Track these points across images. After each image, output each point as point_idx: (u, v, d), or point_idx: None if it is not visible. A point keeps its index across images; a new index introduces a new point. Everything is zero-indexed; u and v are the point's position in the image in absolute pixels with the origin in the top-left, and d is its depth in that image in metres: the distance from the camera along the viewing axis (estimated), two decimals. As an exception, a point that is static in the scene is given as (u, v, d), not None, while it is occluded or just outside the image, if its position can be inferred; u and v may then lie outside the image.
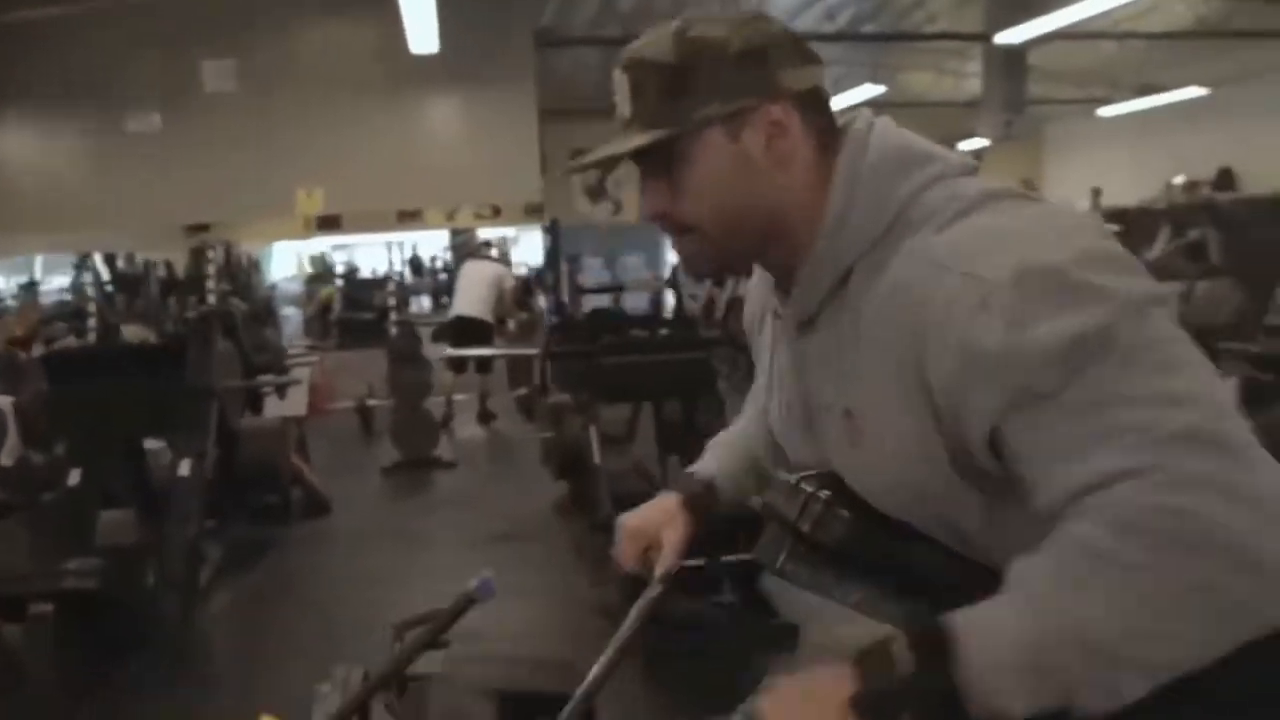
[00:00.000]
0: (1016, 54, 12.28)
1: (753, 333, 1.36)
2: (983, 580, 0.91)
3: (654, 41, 1.07)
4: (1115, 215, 12.46)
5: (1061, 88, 14.85)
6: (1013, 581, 0.87)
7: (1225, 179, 14.36)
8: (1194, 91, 14.30)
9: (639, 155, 1.08)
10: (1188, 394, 0.86)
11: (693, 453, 5.11)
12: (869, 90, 12.55)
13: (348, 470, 6.81)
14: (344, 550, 5.19)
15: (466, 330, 7.94)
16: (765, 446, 1.40)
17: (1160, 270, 7.72)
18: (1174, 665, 0.81)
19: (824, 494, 1.10)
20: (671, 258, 19.27)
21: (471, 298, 8.16)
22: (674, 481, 1.46)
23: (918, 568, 1.07)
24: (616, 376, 4.59)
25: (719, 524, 1.44)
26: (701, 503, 1.41)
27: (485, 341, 8.12)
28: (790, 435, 1.23)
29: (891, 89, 13.25)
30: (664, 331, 5.01)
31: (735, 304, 5.06)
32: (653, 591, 1.34)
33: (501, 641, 2.89)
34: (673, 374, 4.69)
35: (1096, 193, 13.69)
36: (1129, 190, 14.21)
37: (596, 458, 4.65)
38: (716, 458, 1.49)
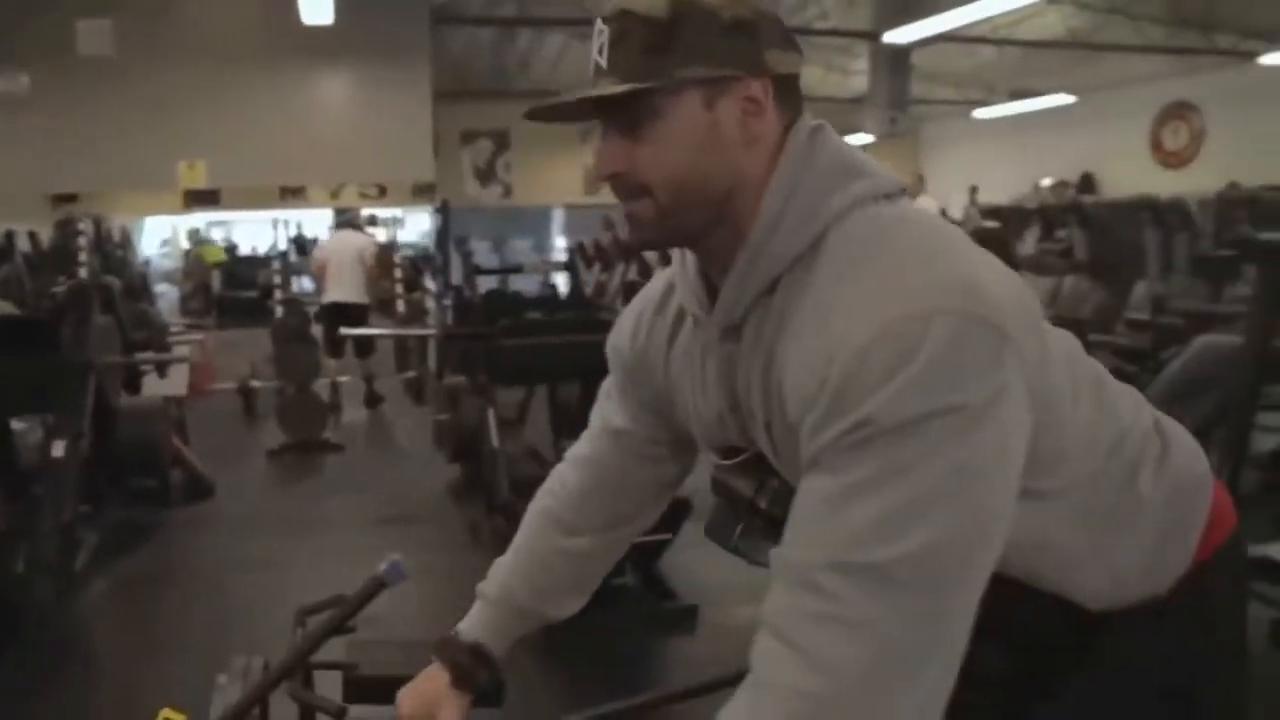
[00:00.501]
0: (901, 54, 12.60)
1: (640, 336, 1.25)
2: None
3: None
4: (991, 212, 12.92)
5: (941, 89, 15.32)
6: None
7: (1086, 183, 15.03)
8: (1063, 98, 14.94)
9: (608, 106, 1.02)
10: (915, 532, 0.83)
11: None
12: (760, 83, 12.71)
13: (231, 453, 6.54)
14: (230, 535, 4.97)
15: (341, 315, 7.69)
16: (605, 487, 1.35)
17: (1032, 265, 8.04)
18: None
19: (774, 474, 1.09)
20: (560, 241, 19.28)
21: (342, 281, 7.88)
22: (439, 647, 1.31)
23: None
24: (516, 359, 4.52)
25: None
26: (472, 677, 1.30)
27: (361, 324, 7.89)
28: (718, 432, 1.16)
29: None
30: (562, 314, 4.94)
31: (631, 288, 5.03)
32: None
33: (405, 626, 2.82)
34: (573, 356, 4.62)
35: (974, 190, 14.17)
36: (1001, 189, 14.73)
37: (494, 441, 4.58)
38: (482, 605, 1.35)
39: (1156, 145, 15.42)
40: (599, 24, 1.03)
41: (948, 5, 10.53)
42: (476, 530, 4.85)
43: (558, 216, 18.83)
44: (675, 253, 1.16)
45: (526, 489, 4.71)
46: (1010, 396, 0.87)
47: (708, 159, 1.01)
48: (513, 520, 4.19)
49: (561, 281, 10.81)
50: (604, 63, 1.01)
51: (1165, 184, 13.23)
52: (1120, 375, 1.17)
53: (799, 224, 0.99)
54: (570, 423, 5.46)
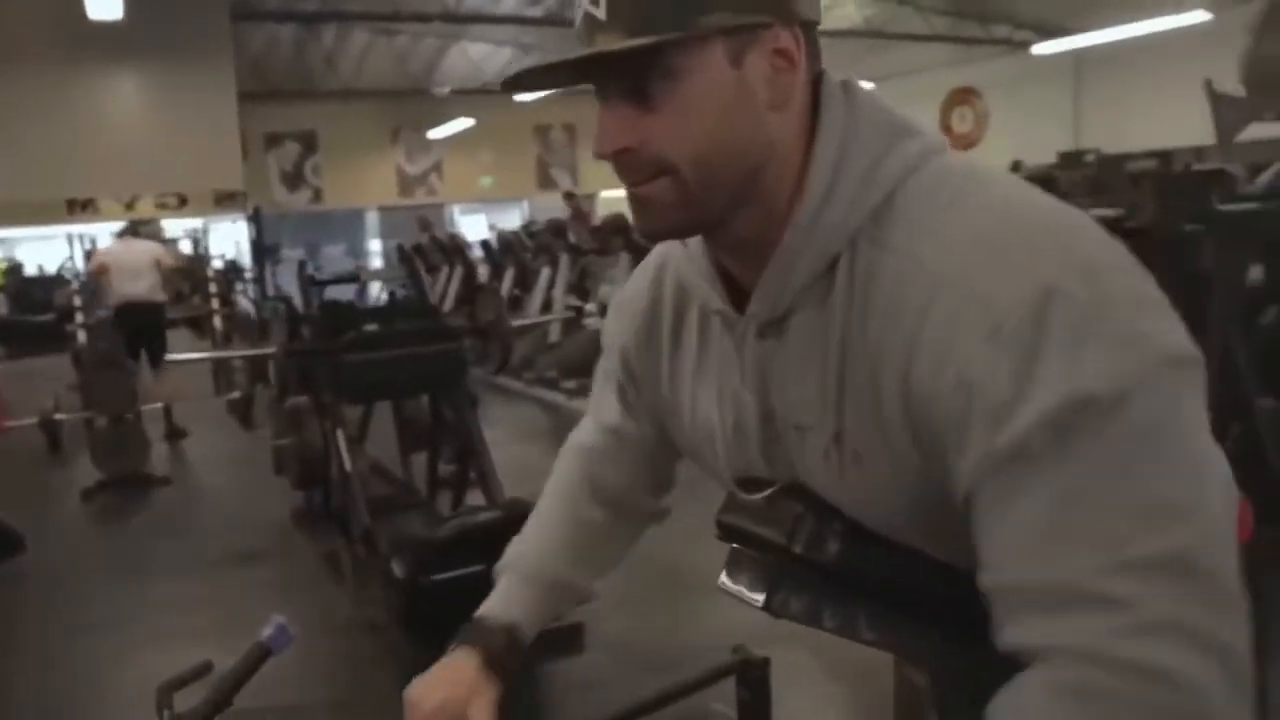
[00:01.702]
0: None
1: (641, 342, 1.07)
2: (976, 593, 0.77)
3: None
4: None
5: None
6: None
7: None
8: (862, 85, 15.43)
9: (609, 69, 0.82)
10: (1185, 504, 0.70)
11: (442, 450, 4.68)
12: (576, 77, 12.53)
13: (38, 497, 5.81)
14: (51, 593, 4.34)
15: (136, 315, 6.99)
16: (616, 490, 1.19)
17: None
18: None
19: (811, 510, 0.92)
20: (375, 246, 18.54)
21: (135, 278, 7.20)
22: (465, 633, 1.10)
23: (916, 582, 0.92)
24: (365, 374, 4.12)
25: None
26: (506, 662, 1.08)
27: (159, 326, 7.20)
28: (737, 455, 0.97)
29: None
30: (407, 323, 4.58)
31: (483, 291, 4.72)
32: None
33: (271, 685, 2.46)
34: (424, 368, 4.28)
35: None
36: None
37: (347, 463, 4.17)
38: (514, 581, 1.15)
39: (946, 128, 16.17)
40: None
41: None
42: (334, 561, 4.42)
43: (371, 219, 18.08)
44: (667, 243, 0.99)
45: (377, 511, 4.30)
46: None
47: (736, 126, 0.82)
48: (373, 546, 3.90)
49: (376, 289, 10.30)
50: (600, 13, 0.80)
51: (960, 164, 13.94)
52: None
53: (856, 194, 0.83)
54: (421, 437, 5.11)
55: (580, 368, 7.77)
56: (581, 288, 9.34)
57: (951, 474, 0.77)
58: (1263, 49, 4.89)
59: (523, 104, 14.86)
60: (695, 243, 0.94)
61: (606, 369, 1.16)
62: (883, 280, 0.81)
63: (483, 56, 14.43)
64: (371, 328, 4.42)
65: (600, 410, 1.18)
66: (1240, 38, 5.30)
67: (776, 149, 0.84)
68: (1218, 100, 5.35)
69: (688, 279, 0.97)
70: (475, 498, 4.31)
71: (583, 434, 1.22)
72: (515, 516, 3.59)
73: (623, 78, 0.82)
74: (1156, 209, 4.35)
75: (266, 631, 1.18)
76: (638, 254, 7.78)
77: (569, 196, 12.40)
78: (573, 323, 8.63)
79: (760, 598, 0.99)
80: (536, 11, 11.16)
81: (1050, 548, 0.71)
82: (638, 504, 1.21)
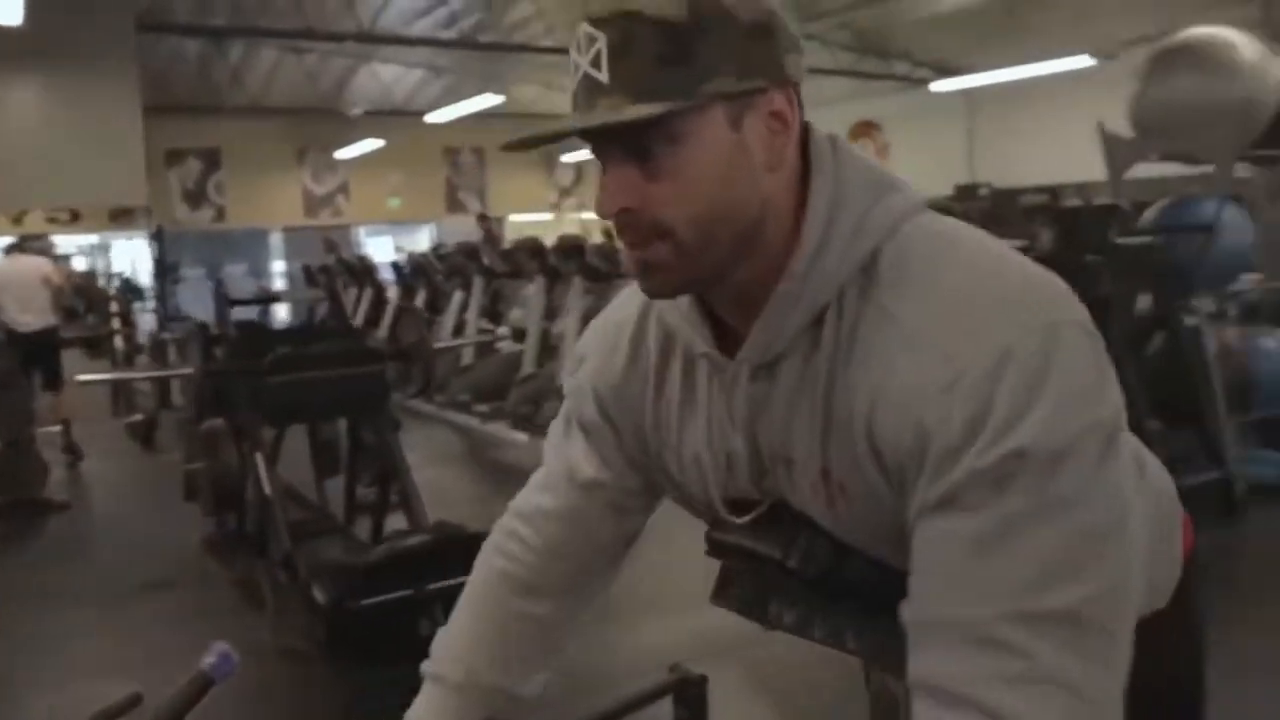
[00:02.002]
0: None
1: (623, 385, 1.06)
2: None
3: None
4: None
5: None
6: None
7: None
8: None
9: (609, 133, 0.83)
10: (1091, 564, 0.75)
11: (363, 474, 4.59)
12: (490, 99, 12.48)
13: (-76, 524, 5.50)
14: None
15: (28, 341, 6.76)
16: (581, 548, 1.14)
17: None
18: None
19: (801, 527, 0.95)
20: (279, 267, 18.10)
21: (29, 307, 6.95)
22: (427, 683, 1.12)
23: (900, 594, 0.91)
24: (288, 396, 4.03)
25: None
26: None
27: (54, 347, 6.95)
28: (729, 484, 1.00)
29: (506, 100, 13.29)
30: (328, 344, 4.49)
31: (405, 313, 4.67)
32: None
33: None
34: (349, 390, 4.21)
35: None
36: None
37: (267, 487, 4.06)
38: (439, 694, 1.13)
39: (848, 159, 16.65)
40: (585, 29, 0.83)
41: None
42: (250, 588, 4.29)
43: (275, 239, 17.65)
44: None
45: (299, 537, 4.17)
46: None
47: (735, 188, 0.85)
48: (295, 572, 3.81)
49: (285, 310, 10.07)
50: (604, 77, 0.81)
51: (856, 196, 14.33)
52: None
53: (846, 246, 0.86)
54: (336, 460, 5.01)
55: (493, 391, 7.72)
56: (494, 311, 9.30)
57: (906, 511, 0.82)
58: (1148, 95, 5.16)
59: (432, 126, 14.76)
60: None
61: (573, 420, 1.12)
62: (865, 332, 0.85)
63: (394, 78, 14.31)
64: (285, 350, 4.34)
65: (562, 463, 1.13)
66: (1121, 83, 5.61)
67: (771, 205, 0.87)
68: (1109, 140, 5.61)
69: (673, 324, 0.98)
70: (395, 522, 4.25)
71: (534, 498, 1.16)
72: (444, 540, 3.53)
73: (626, 141, 0.83)
74: (1057, 240, 4.56)
75: (208, 659, 1.10)
76: (551, 277, 7.81)
77: (482, 219, 12.37)
78: (485, 346, 8.57)
79: (755, 611, 1.03)
80: (451, 34, 11.11)
81: (960, 590, 0.76)
82: (594, 577, 1.17)
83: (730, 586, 1.06)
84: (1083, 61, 11.00)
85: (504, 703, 1.12)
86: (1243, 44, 4.98)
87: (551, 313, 8.11)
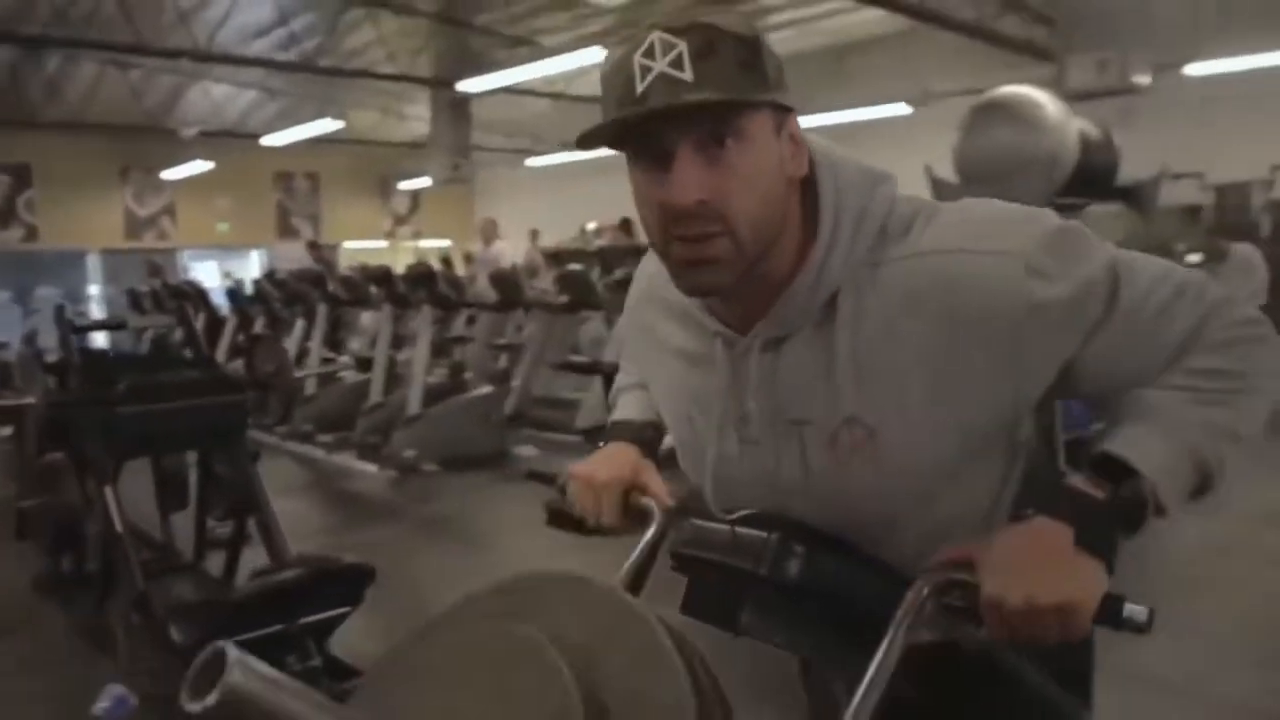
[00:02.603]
0: (462, 102, 12.73)
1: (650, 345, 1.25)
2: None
3: (721, 14, 0.95)
4: (552, 255, 13.42)
5: (494, 137, 15.69)
6: (1143, 407, 1.00)
7: (625, 226, 16.09)
8: (605, 150, 15.90)
9: (689, 123, 0.92)
10: (1163, 267, 1.03)
11: (214, 508, 4.39)
12: (329, 124, 12.16)
13: None
14: None
15: None
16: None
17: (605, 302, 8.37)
18: (1255, 424, 1.03)
19: (774, 534, 1.04)
20: (95, 290, 16.93)
21: None
22: (612, 431, 1.32)
23: (863, 593, 1.05)
24: (143, 426, 3.81)
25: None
26: (655, 450, 1.30)
27: None
28: (725, 454, 1.13)
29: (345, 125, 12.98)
30: (180, 373, 4.27)
31: (262, 341, 4.50)
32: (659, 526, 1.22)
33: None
34: (207, 420, 4.02)
35: (535, 234, 14.59)
36: (552, 232, 15.37)
37: (118, 524, 3.82)
38: (641, 397, 1.35)
39: (680, 194, 17.02)
40: (661, 36, 0.92)
41: (506, 59, 10.83)
42: (95, 632, 4.02)
43: (93, 261, 16.53)
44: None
45: (148, 575, 3.93)
46: None
47: (777, 191, 0.97)
48: (149, 613, 3.59)
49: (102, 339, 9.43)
50: (688, 76, 0.90)
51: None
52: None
53: (852, 240, 1.00)
54: (183, 494, 4.75)
55: (338, 421, 7.50)
56: (334, 339, 9.03)
57: (1032, 375, 1.00)
58: (969, 144, 5.56)
59: (264, 149, 14.22)
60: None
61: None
62: (898, 284, 0.99)
63: (225, 98, 13.72)
64: (136, 378, 4.10)
65: (624, 374, 1.40)
66: (933, 129, 6.03)
67: (789, 214, 1.00)
68: (936, 184, 6.01)
69: (682, 304, 1.11)
70: (250, 556, 4.08)
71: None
72: (319, 572, 3.41)
73: (705, 131, 0.92)
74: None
75: (102, 704, 1.09)
76: (400, 305, 7.64)
77: (313, 246, 11.98)
78: (328, 376, 8.32)
79: (726, 620, 1.09)
80: (290, 56, 10.77)
81: (1165, 331, 1.01)
82: None
83: (699, 598, 1.12)
84: (901, 109, 11.70)
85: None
86: (1048, 103, 5.44)
87: (398, 342, 7.96)
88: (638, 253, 8.20)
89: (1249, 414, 1.01)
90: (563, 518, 1.26)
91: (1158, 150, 6.57)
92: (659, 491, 1.23)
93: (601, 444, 1.29)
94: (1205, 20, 9.06)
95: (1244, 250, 8.76)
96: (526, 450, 6.94)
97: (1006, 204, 1.03)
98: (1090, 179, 5.41)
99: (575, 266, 8.23)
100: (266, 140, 13.54)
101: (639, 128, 0.93)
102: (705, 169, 0.92)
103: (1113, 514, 0.94)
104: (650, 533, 1.21)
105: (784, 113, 0.98)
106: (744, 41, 0.93)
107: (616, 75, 0.93)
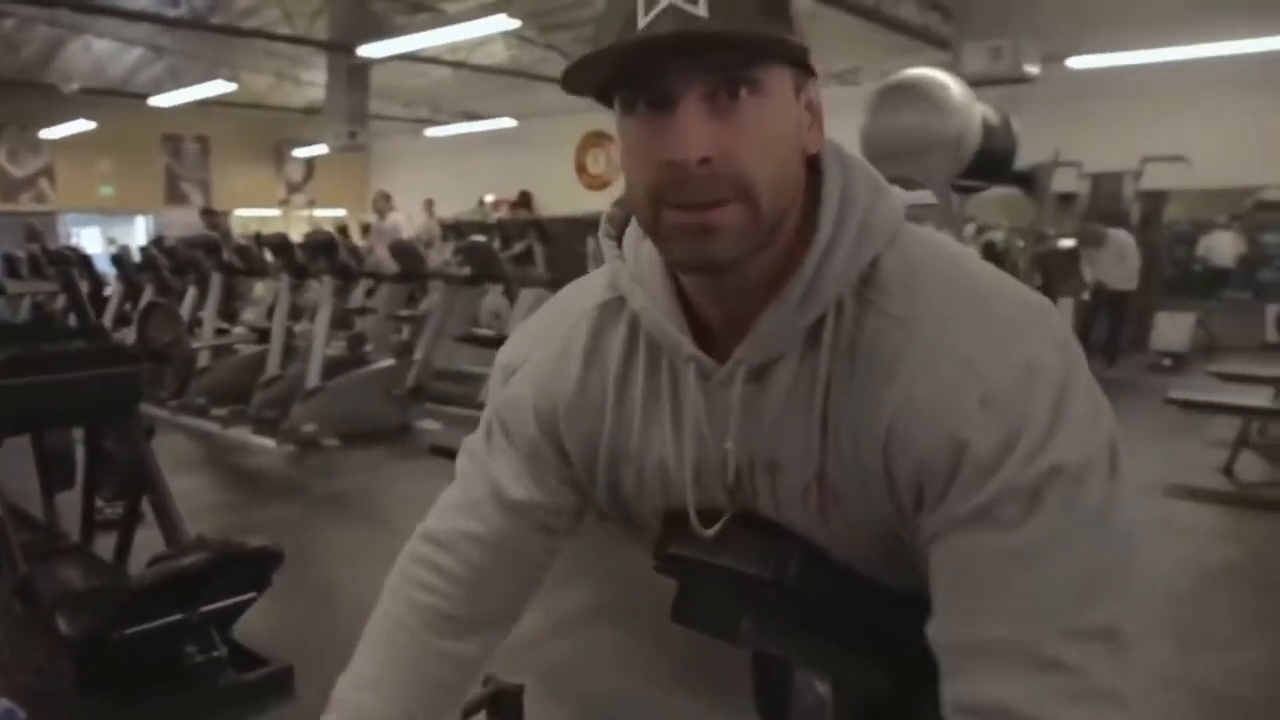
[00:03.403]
0: (360, 69, 12.27)
1: (577, 398, 0.97)
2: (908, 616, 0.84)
3: None
4: (451, 226, 13.11)
5: (392, 106, 15.21)
6: None
7: (524, 199, 15.91)
8: (506, 122, 15.64)
9: (697, 64, 0.75)
10: (1119, 576, 0.76)
11: (107, 487, 4.10)
12: (221, 86, 11.56)
13: None
14: None
15: None
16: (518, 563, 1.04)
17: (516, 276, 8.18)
18: None
19: (771, 536, 0.92)
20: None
21: None
22: None
23: (860, 603, 0.96)
24: (23, 401, 3.49)
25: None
26: None
27: None
28: (697, 492, 0.94)
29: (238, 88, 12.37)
30: (65, 343, 3.94)
31: (158, 309, 4.16)
32: None
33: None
34: (96, 394, 3.71)
35: (430, 204, 14.22)
36: (451, 204, 15.04)
37: (-3, 506, 3.50)
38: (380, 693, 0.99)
39: (581, 168, 16.83)
40: None
41: (407, 25, 10.44)
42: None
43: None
44: (616, 275, 0.93)
45: (31, 559, 3.64)
46: None
47: (794, 157, 0.81)
48: (32, 600, 3.30)
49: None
50: (701, 10, 0.73)
51: (590, 203, 14.55)
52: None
53: (853, 246, 0.83)
54: (70, 473, 4.41)
55: (233, 394, 7.14)
56: (228, 310, 8.60)
57: (920, 521, 0.80)
58: (876, 125, 5.56)
59: (151, 110, 13.46)
60: (660, 288, 0.89)
61: (499, 434, 1.02)
62: (873, 338, 0.82)
63: (109, 54, 12.86)
64: (16, 349, 3.77)
65: (485, 484, 1.02)
66: (832, 110, 6.04)
67: (797, 193, 0.83)
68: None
69: (654, 324, 0.90)
70: (143, 538, 3.80)
71: (457, 521, 1.03)
72: (224, 557, 3.18)
73: (716, 75, 0.75)
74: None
75: None
76: (299, 275, 7.30)
77: (208, 213, 11.42)
78: (223, 348, 7.92)
79: (722, 625, 1.00)
80: (180, 12, 10.15)
81: (1006, 608, 0.74)
82: (519, 603, 1.07)
83: (692, 603, 1.01)
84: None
85: None
86: (954, 85, 5.48)
87: (296, 312, 7.62)
88: (538, 226, 8.05)
89: None
90: None
91: (1042, 139, 6.71)
92: None
93: None
94: (1088, 16, 9.30)
95: (1119, 236, 9.13)
96: (429, 424, 6.73)
97: (1021, 287, 0.84)
98: (990, 162, 5.46)
99: (478, 238, 8.00)
100: (154, 101, 12.81)
101: (638, 65, 0.76)
102: (715, 122, 0.76)
103: None
104: None
105: (805, 75, 0.82)
106: None
107: (617, 6, 0.76)
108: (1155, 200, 10.50)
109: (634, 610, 3.39)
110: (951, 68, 8.15)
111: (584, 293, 0.99)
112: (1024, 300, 0.82)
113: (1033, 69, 8.08)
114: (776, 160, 0.78)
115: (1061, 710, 0.72)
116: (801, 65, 0.82)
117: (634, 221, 0.92)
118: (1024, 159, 6.09)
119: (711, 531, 0.93)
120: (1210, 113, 10.61)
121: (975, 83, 7.51)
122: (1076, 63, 9.94)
